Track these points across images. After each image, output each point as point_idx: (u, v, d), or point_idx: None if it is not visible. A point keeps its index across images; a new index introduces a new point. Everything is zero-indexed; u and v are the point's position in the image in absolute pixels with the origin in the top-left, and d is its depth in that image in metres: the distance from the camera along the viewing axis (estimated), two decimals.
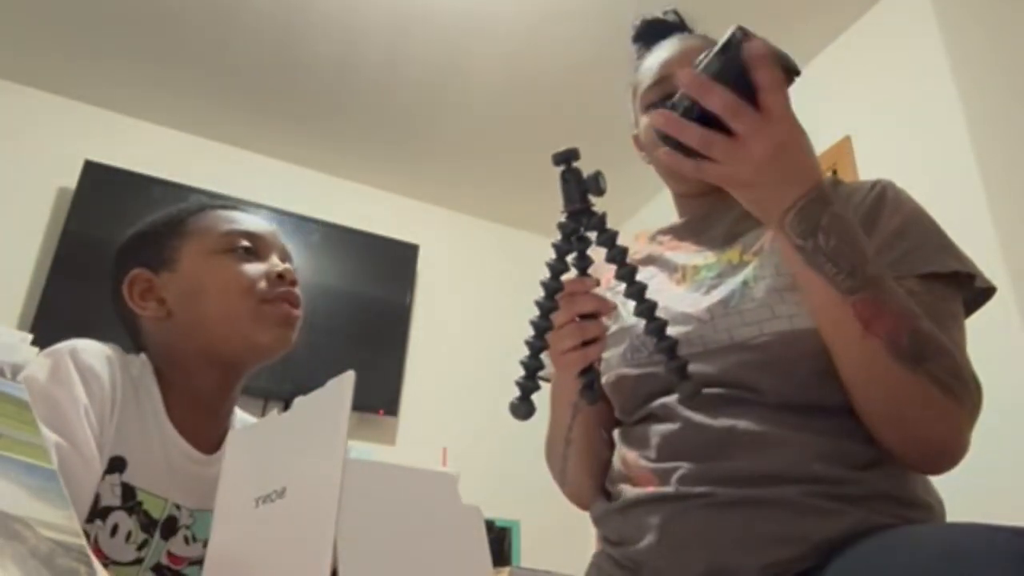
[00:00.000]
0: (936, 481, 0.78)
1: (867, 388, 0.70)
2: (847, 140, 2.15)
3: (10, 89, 2.71)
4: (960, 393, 0.70)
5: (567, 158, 0.70)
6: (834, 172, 2.22)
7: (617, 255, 0.72)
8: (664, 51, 0.94)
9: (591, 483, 0.92)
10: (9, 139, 2.66)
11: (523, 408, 0.74)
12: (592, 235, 0.73)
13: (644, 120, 0.95)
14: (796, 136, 0.66)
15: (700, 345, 0.79)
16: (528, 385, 0.75)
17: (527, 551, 2.80)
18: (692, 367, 0.73)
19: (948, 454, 0.73)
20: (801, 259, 0.68)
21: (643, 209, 3.07)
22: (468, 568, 0.47)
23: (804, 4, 2.22)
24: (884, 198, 0.82)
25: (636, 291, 0.72)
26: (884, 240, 0.78)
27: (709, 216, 0.92)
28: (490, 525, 2.69)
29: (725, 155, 0.65)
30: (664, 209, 1.05)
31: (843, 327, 0.68)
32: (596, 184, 0.70)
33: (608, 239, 0.72)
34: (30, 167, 2.66)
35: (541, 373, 0.76)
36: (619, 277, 0.73)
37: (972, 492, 1.54)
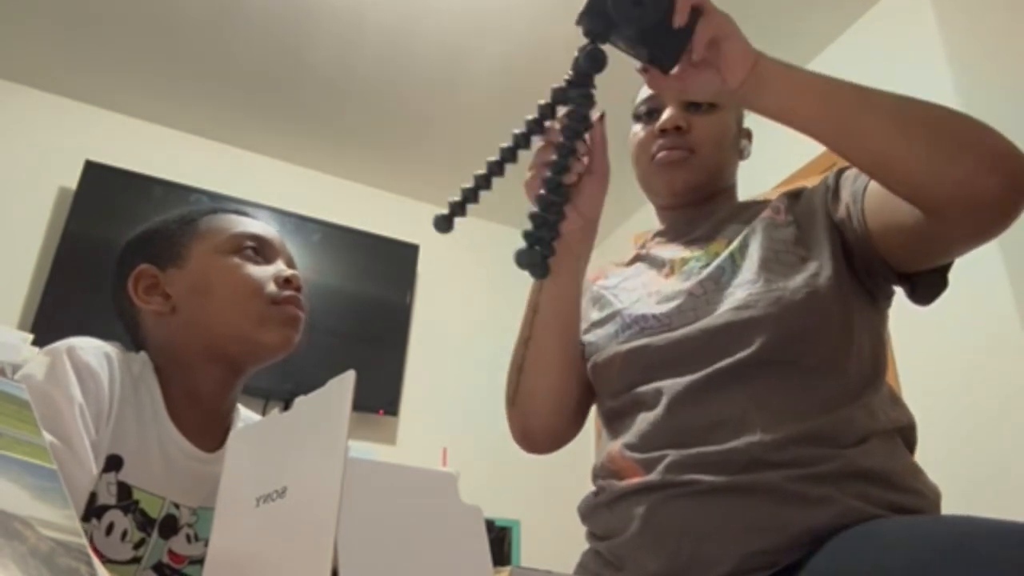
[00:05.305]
0: (935, 476, 0.78)
1: (905, 131, 0.69)
2: None
3: (10, 89, 2.71)
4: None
5: (595, 41, 0.72)
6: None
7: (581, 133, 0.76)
8: None
9: (544, 400, 0.90)
10: (9, 139, 2.66)
11: (542, 267, 0.71)
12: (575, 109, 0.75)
13: (634, 127, 0.98)
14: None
15: (692, 315, 0.82)
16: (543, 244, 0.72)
17: (527, 551, 2.80)
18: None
19: (1012, 172, 0.66)
20: (788, 67, 0.72)
21: (638, 212, 3.07)
22: (468, 568, 0.47)
23: (804, 5, 2.22)
24: (842, 171, 0.86)
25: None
26: (857, 182, 0.81)
27: (693, 221, 0.95)
28: (490, 525, 2.68)
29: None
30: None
31: (862, 99, 0.72)
32: (597, 67, 0.72)
33: (584, 120, 0.75)
34: (30, 167, 2.66)
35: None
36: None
37: (972, 489, 1.54)
